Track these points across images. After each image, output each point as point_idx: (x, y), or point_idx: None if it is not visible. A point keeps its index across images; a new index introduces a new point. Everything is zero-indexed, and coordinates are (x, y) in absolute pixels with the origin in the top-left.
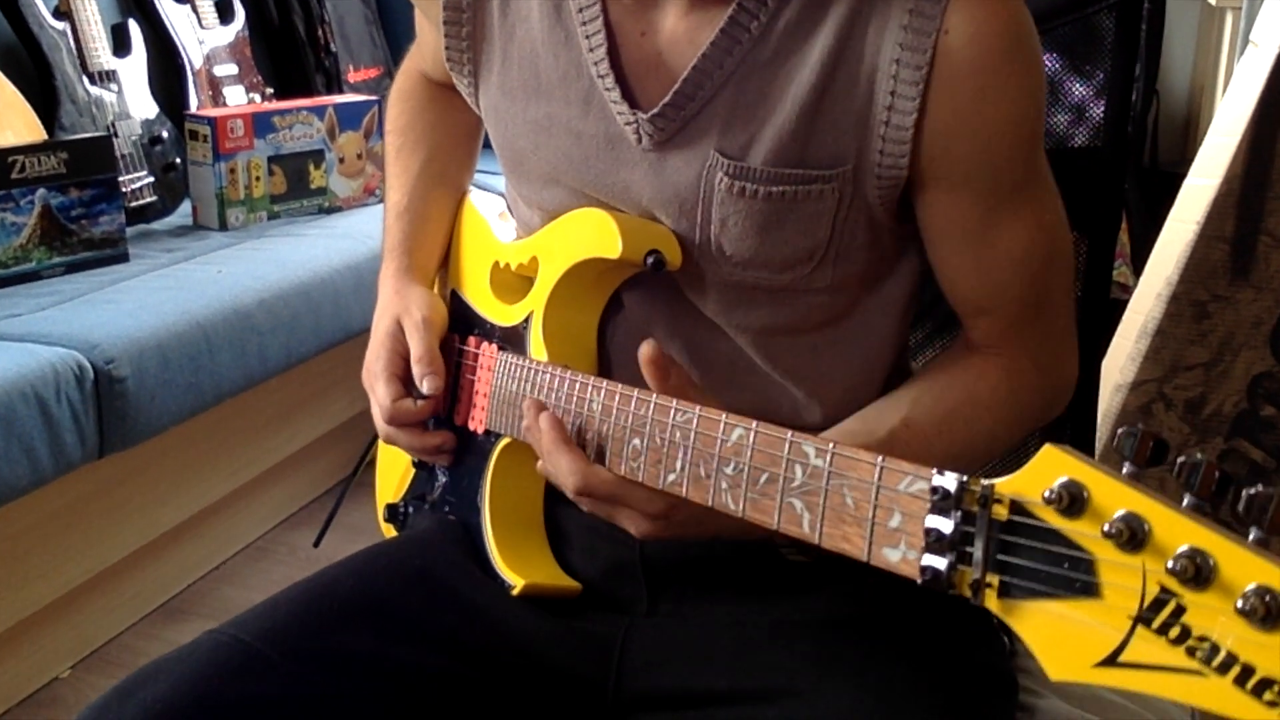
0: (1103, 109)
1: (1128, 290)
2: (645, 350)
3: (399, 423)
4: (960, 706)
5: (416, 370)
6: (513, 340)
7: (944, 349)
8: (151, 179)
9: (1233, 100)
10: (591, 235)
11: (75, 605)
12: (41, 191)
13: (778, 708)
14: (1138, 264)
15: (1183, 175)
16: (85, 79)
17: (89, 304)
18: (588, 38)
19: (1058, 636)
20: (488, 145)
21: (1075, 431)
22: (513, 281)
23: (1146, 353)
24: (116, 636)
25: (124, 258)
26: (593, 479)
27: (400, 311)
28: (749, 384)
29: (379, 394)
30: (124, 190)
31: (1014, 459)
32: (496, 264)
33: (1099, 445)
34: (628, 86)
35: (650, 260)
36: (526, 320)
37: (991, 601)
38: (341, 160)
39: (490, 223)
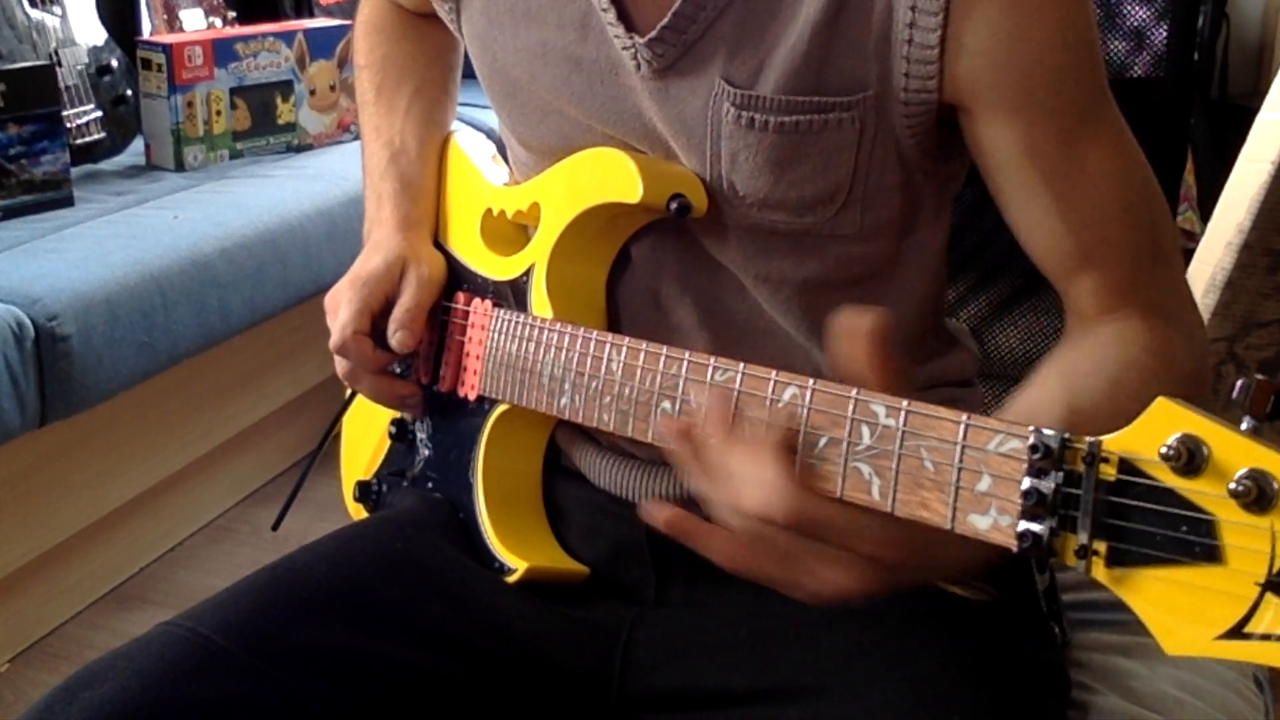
0: (1165, 34)
1: (1194, 238)
2: (856, 320)
3: (350, 359)
4: (1006, 705)
5: (398, 317)
6: (509, 296)
7: (1062, 338)
8: (99, 113)
9: None
10: (605, 178)
11: (13, 592)
12: None
13: (802, 708)
14: (1205, 208)
15: (1255, 109)
16: (25, 1)
17: (29, 254)
18: None
19: (1174, 607)
20: (469, 76)
21: None
22: (508, 231)
23: (1215, 308)
24: (59, 626)
25: (68, 201)
26: (809, 505)
27: (409, 258)
28: (767, 346)
29: (341, 316)
30: (68, 126)
31: None
32: (489, 211)
33: None
34: (624, 7)
35: (674, 205)
36: (527, 273)
37: (1099, 570)
38: (312, 92)
39: (480, 166)
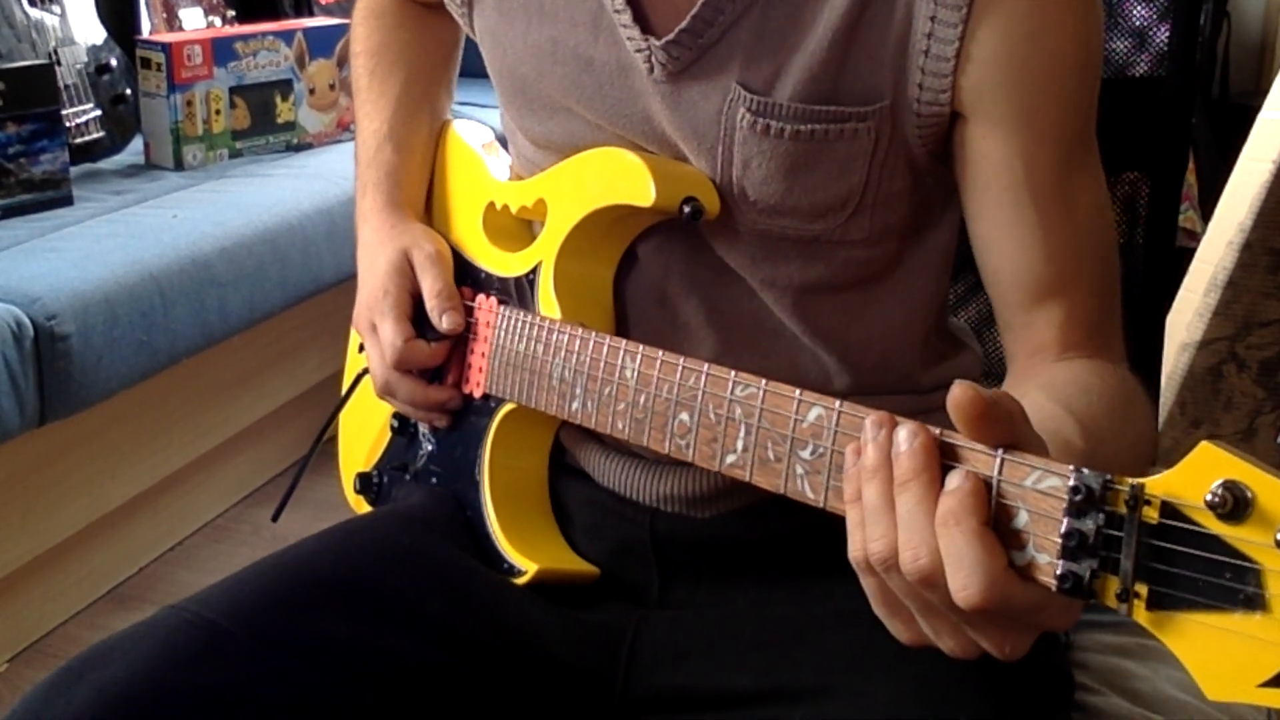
0: (1167, 33)
1: (1195, 237)
2: (962, 393)
3: (407, 367)
4: (1010, 706)
5: (434, 305)
6: (515, 293)
7: (1014, 380)
8: (98, 112)
9: None
10: (616, 179)
11: (12, 592)
12: None
13: (806, 708)
14: (1206, 208)
15: (1256, 108)
16: (24, 0)
17: (28, 253)
18: None
19: (1217, 653)
20: (468, 74)
21: None
22: (512, 226)
23: (1216, 307)
24: (58, 627)
25: (68, 201)
26: (1014, 591)
27: (408, 245)
28: (774, 348)
29: (386, 334)
30: (68, 125)
31: None
32: (492, 205)
33: (1163, 411)
34: (640, 8)
35: (687, 209)
36: (534, 271)
37: (1140, 613)
38: (312, 91)
39: (482, 157)
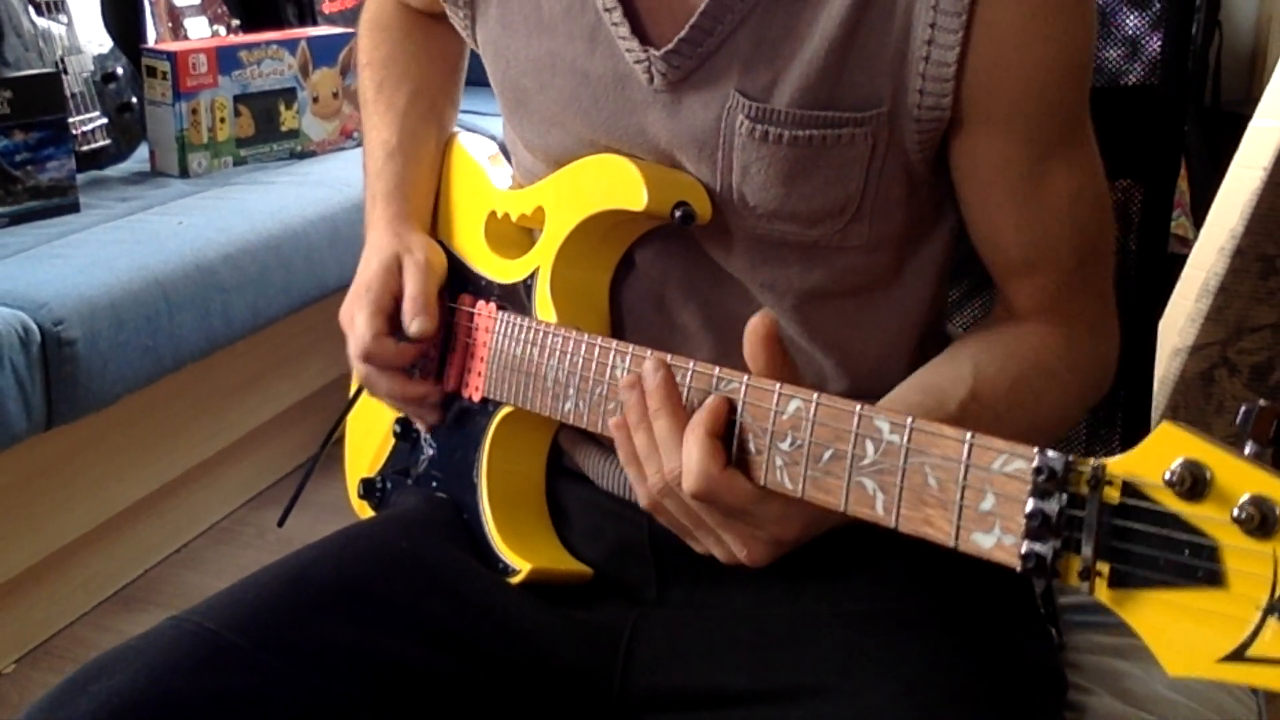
0: (1159, 42)
1: (1187, 244)
2: (759, 323)
3: (376, 362)
4: (1004, 706)
5: (408, 307)
6: (514, 299)
7: (984, 319)
8: (105, 120)
9: None
10: (610, 184)
11: (19, 593)
12: None
13: (802, 708)
14: (1198, 215)
15: (1248, 116)
16: (31, 9)
17: (35, 259)
18: None
19: (1176, 629)
20: (469, 83)
21: (1130, 399)
22: (512, 234)
23: (1208, 313)
24: (65, 628)
25: (74, 208)
26: (725, 485)
27: (402, 250)
28: None
29: (358, 325)
30: (74, 133)
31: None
32: (493, 214)
33: (1155, 415)
34: (638, 20)
35: (679, 213)
36: (531, 277)
37: (1102, 591)
38: (315, 100)
39: (484, 168)
